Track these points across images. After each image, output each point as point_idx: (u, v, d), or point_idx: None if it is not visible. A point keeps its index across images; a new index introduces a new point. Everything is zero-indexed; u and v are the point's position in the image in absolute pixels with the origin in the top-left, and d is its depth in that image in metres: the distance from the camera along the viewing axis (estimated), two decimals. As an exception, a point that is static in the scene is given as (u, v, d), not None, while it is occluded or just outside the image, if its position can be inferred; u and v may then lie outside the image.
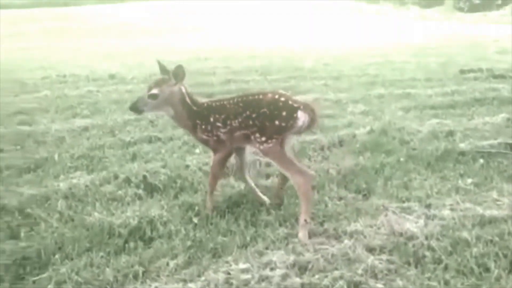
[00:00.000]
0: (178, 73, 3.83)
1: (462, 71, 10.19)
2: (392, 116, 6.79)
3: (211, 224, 3.83)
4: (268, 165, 4.82)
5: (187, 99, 3.93)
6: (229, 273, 3.16)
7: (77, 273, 3.19)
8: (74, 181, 4.59)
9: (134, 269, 3.23)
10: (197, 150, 5.44)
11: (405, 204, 4.08)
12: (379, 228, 3.70)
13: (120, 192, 4.36)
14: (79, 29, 20.01)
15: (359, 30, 20.15)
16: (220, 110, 3.88)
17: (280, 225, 3.81)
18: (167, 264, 3.29)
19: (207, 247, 3.51)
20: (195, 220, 3.89)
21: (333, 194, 4.34)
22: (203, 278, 3.14)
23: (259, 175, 4.75)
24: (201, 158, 5.14)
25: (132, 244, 3.54)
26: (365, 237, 3.57)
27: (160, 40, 16.60)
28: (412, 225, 3.67)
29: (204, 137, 3.96)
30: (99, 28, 19.29)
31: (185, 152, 5.49)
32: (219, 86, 9.11)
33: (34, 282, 3.14)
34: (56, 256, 3.38)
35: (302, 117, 3.61)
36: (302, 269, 3.21)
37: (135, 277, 3.18)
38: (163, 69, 3.92)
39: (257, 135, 3.69)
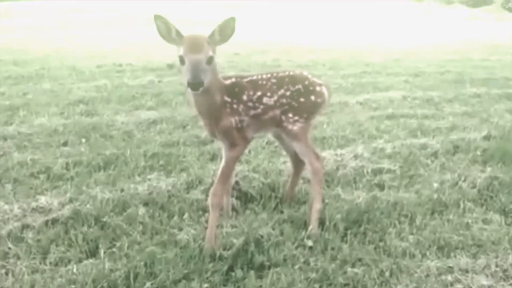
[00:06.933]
0: (228, 28, 2.83)
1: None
2: (502, 119, 5.86)
3: (332, 249, 3.05)
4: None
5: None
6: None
7: (178, 311, 2.47)
8: (153, 183, 3.89)
9: (252, 309, 2.49)
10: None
11: None
12: (560, 267, 2.83)
13: (209, 200, 3.61)
14: (121, 20, 19.61)
15: (416, 27, 19.10)
16: (254, 87, 3.16)
17: (423, 256, 2.99)
18: (294, 304, 2.53)
19: (337, 282, 2.73)
20: (309, 242, 3.12)
21: (474, 215, 3.49)
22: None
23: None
24: (294, 161, 4.36)
25: (239, 273, 2.80)
26: (548, 279, 2.72)
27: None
28: None
29: (232, 121, 3.07)
30: (145, 20, 18.75)
31: (272, 153, 4.73)
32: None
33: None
34: (148, 284, 2.67)
35: (326, 94, 3.30)
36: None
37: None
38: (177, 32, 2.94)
39: (290, 114, 3.21)
